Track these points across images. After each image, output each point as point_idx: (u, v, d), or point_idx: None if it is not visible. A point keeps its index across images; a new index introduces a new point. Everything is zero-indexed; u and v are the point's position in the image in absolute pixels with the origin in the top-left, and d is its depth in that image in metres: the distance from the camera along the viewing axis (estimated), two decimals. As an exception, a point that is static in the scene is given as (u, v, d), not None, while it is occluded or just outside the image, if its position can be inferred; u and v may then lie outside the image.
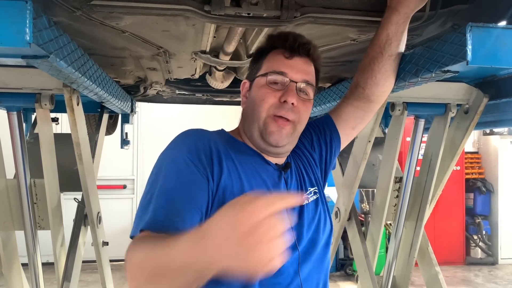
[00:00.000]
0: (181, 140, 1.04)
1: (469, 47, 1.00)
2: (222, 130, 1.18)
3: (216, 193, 0.98)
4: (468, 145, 7.06)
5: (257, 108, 1.09)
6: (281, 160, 1.17)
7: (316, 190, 1.21)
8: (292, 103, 1.06)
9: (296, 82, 1.08)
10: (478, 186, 6.75)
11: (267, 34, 1.23)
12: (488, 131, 6.85)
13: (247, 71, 1.24)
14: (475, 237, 6.69)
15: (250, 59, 1.33)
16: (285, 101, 1.06)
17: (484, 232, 6.66)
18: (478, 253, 6.71)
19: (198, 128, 1.10)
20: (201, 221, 0.94)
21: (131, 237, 0.91)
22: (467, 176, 6.78)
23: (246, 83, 1.18)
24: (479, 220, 6.71)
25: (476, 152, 7.13)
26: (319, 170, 1.29)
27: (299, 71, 1.10)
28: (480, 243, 6.67)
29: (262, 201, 0.62)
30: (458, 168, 6.57)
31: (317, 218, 1.16)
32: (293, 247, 1.07)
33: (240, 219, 0.61)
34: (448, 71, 1.13)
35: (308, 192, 1.18)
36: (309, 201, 1.17)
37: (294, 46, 1.10)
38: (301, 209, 1.13)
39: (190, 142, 1.02)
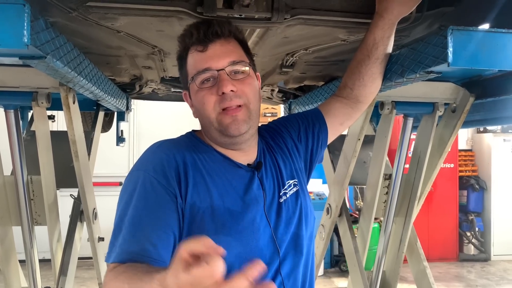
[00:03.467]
0: (147, 159, 1.02)
1: (450, 49, 1.04)
2: (191, 133, 1.16)
3: (185, 210, 0.97)
4: (462, 143, 7.12)
5: (204, 114, 1.06)
6: (252, 157, 1.14)
7: (296, 182, 1.18)
8: (232, 90, 1.02)
9: (224, 69, 1.03)
10: (471, 183, 6.81)
11: (178, 34, 1.15)
12: (481, 129, 6.91)
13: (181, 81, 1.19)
14: (468, 233, 6.76)
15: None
16: (223, 93, 1.02)
17: (477, 229, 6.73)
18: (471, 249, 6.77)
19: (165, 140, 1.09)
20: (175, 242, 0.94)
21: (106, 261, 0.93)
22: (461, 174, 6.84)
23: (185, 94, 1.15)
24: (472, 217, 6.77)
25: (470, 150, 7.19)
26: (303, 161, 1.28)
27: (220, 56, 1.04)
28: (473, 240, 6.74)
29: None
30: (452, 165, 6.63)
31: (298, 212, 1.14)
32: (273, 247, 1.06)
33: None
34: (432, 72, 1.17)
35: (286, 186, 1.16)
36: (288, 196, 1.14)
37: (201, 37, 1.04)
38: (279, 207, 1.11)
39: (156, 160, 1.00)
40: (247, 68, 1.08)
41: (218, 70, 1.03)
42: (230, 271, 0.99)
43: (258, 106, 1.11)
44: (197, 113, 1.11)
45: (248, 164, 1.12)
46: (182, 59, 1.11)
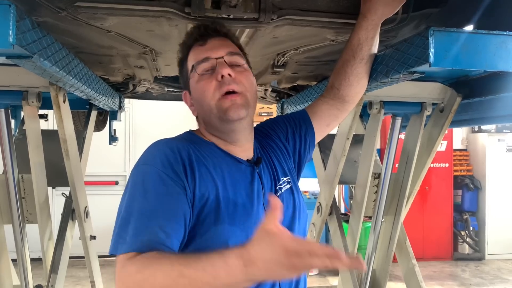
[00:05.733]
0: (153, 154, 1.04)
1: (432, 50, 1.06)
2: (190, 132, 1.20)
3: (194, 202, 0.99)
4: (457, 143, 7.15)
5: (204, 101, 1.10)
6: (250, 153, 1.19)
7: (289, 180, 1.23)
8: (229, 74, 1.08)
9: (222, 57, 1.10)
10: (466, 183, 6.85)
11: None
12: (476, 128, 6.95)
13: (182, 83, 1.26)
14: (463, 233, 6.79)
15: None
16: (222, 76, 1.08)
17: (471, 228, 6.77)
18: (465, 248, 6.81)
19: (168, 138, 1.11)
20: (184, 232, 0.96)
21: (111, 254, 0.92)
22: (456, 173, 6.87)
23: (186, 93, 1.20)
24: (466, 216, 6.81)
25: (465, 150, 7.22)
26: (292, 161, 1.32)
27: (219, 47, 1.12)
28: (468, 239, 6.77)
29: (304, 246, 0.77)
30: (447, 165, 6.67)
31: (292, 207, 1.18)
32: None
33: (287, 250, 0.76)
34: (415, 72, 1.19)
35: (281, 182, 1.20)
36: (283, 191, 1.19)
37: (201, 32, 1.14)
38: None
39: (162, 155, 1.02)
40: (244, 62, 1.15)
41: (217, 58, 1.10)
42: None
43: (255, 98, 1.16)
44: (198, 106, 1.15)
45: (247, 160, 1.16)
46: (183, 60, 1.18)
